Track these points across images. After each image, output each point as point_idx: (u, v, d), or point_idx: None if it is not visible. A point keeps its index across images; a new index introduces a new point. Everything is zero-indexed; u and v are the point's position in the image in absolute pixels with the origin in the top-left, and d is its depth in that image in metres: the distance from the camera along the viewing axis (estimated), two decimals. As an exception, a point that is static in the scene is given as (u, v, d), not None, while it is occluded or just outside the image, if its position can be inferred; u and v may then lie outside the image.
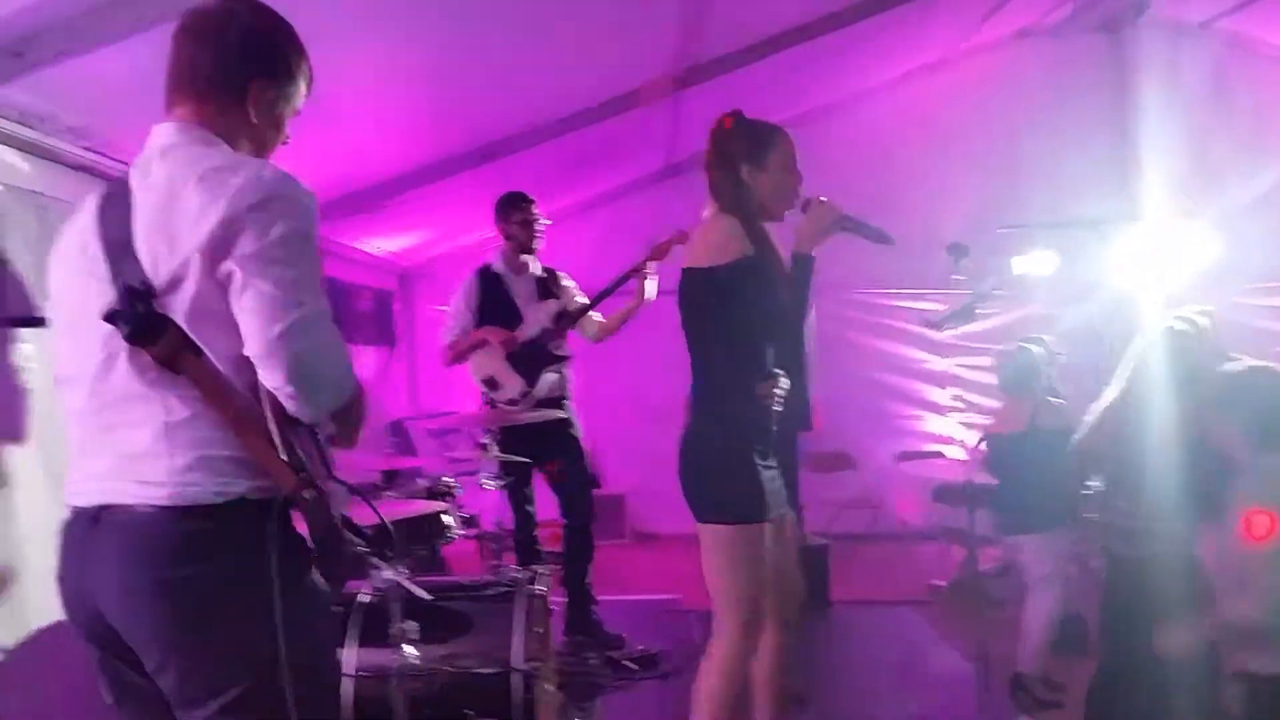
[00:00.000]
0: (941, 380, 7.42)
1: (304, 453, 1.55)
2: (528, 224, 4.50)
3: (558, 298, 4.57)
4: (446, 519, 3.37)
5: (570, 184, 6.77)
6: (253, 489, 1.55)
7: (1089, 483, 3.25)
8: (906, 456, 6.87)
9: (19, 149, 3.14)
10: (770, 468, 2.68)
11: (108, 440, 1.58)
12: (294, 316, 1.49)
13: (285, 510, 1.56)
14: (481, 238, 6.53)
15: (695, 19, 4.91)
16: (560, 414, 4.24)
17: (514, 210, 4.51)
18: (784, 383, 2.74)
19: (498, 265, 4.59)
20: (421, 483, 3.49)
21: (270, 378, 1.49)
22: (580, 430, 4.59)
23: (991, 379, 4.17)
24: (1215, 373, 2.63)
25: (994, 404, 5.04)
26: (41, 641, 2.59)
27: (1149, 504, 2.73)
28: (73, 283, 1.65)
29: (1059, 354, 4.03)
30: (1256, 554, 2.36)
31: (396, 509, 2.91)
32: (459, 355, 4.51)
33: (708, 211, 2.72)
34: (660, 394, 5.46)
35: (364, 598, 2.84)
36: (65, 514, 1.64)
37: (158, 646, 1.53)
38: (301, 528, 1.60)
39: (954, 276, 3.17)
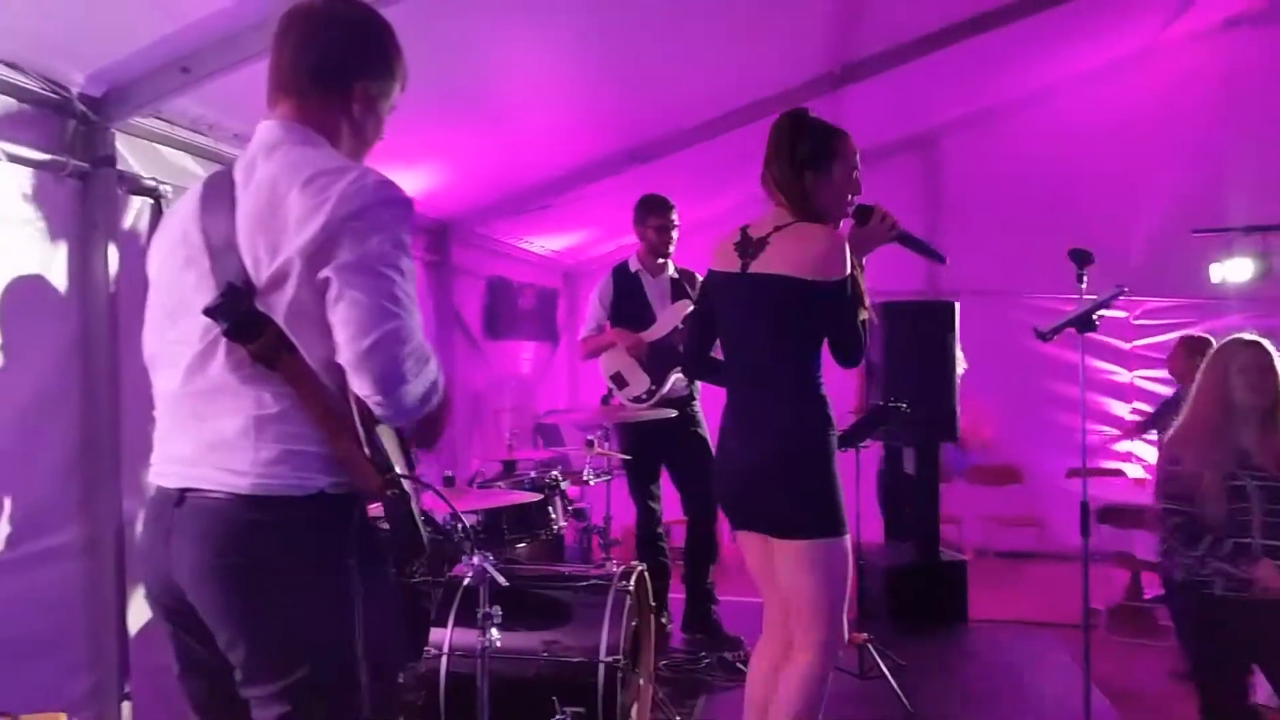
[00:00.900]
0: (1124, 394, 6.95)
1: (389, 453, 1.62)
2: (662, 229, 4.56)
3: (692, 298, 4.60)
4: (550, 511, 3.48)
5: (732, 183, 6.78)
6: (332, 484, 1.60)
7: None
8: (1077, 473, 6.45)
9: (191, 153, 3.48)
10: None
11: (196, 427, 1.64)
12: (386, 328, 1.50)
13: (363, 506, 1.62)
14: (643, 237, 6.65)
15: (855, 12, 4.82)
16: (670, 413, 4.27)
17: (649, 214, 4.58)
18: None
19: (634, 265, 4.68)
20: (532, 475, 3.60)
21: (360, 386, 1.52)
22: (706, 430, 4.61)
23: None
24: None
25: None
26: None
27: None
28: (173, 270, 1.71)
29: None
30: None
31: (499, 499, 3.04)
32: (591, 352, 4.64)
33: (783, 215, 2.61)
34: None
35: (466, 582, 2.98)
36: (150, 491, 1.76)
37: (230, 626, 1.60)
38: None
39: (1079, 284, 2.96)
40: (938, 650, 4.63)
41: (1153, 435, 5.83)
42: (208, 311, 1.56)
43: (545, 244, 6.96)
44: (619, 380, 4.50)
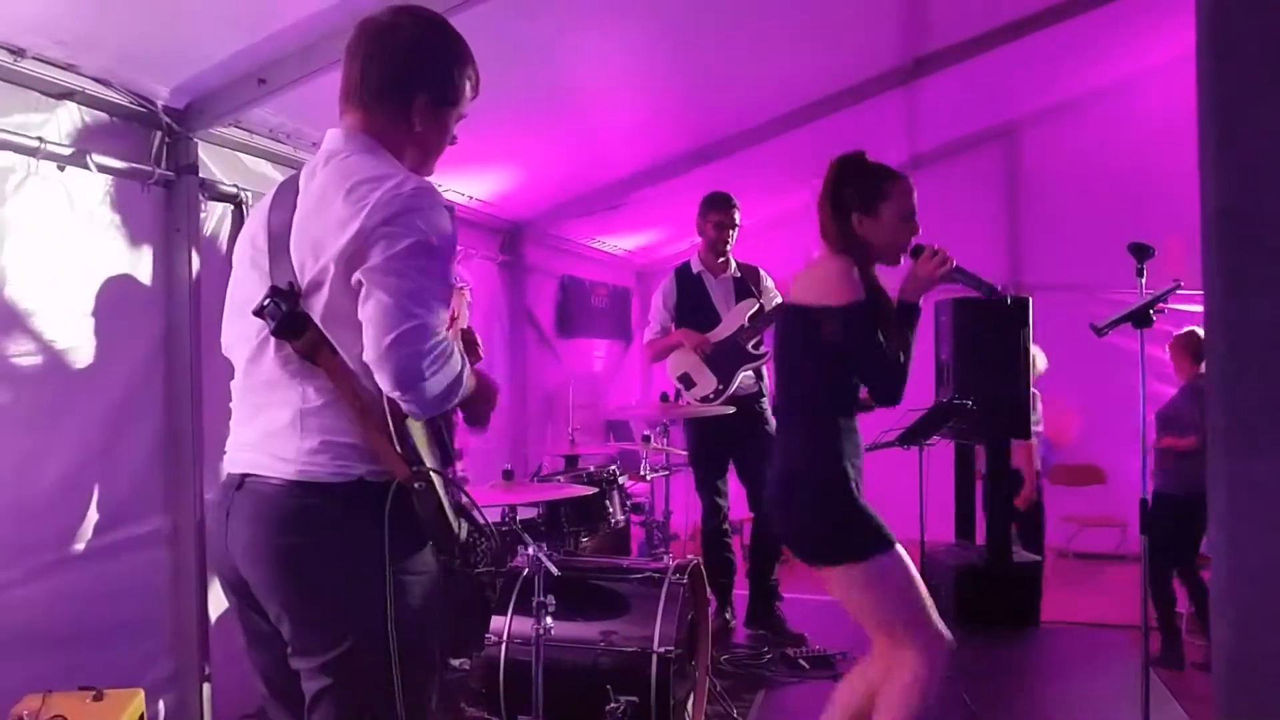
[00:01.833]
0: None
1: (418, 446, 1.69)
2: (720, 225, 4.57)
3: (757, 297, 4.62)
4: (608, 505, 3.55)
5: (804, 180, 6.74)
6: (370, 473, 1.68)
7: None
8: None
9: (270, 160, 3.66)
10: None
11: (256, 417, 1.76)
12: (404, 327, 1.56)
13: (400, 494, 1.69)
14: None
15: (926, 4, 4.77)
16: (729, 409, 4.29)
17: (708, 210, 4.60)
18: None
19: (695, 266, 4.70)
20: (590, 470, 3.67)
21: (382, 382, 1.59)
22: (774, 427, 4.62)
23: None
24: None
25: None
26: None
27: None
28: (242, 268, 1.82)
29: None
30: None
31: (554, 492, 3.12)
32: (657, 355, 4.68)
33: (819, 252, 2.68)
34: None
35: (525, 571, 3.06)
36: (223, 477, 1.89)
37: (276, 601, 1.71)
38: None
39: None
40: (1006, 652, 4.56)
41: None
42: (256, 311, 1.67)
43: (617, 243, 7.04)
44: (686, 380, 4.55)
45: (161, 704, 3.04)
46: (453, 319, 2.17)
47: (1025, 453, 5.53)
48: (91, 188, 2.88)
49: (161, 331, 3.13)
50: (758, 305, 4.58)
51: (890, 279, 2.71)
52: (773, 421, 4.63)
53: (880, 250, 2.63)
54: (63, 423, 2.77)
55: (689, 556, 3.26)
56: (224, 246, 3.35)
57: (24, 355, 2.66)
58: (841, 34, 4.66)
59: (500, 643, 2.99)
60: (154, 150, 3.07)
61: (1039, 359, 5.77)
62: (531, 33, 3.60)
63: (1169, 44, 6.45)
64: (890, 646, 2.54)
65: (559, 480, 3.66)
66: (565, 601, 2.85)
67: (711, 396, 4.46)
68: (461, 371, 1.69)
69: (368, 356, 1.59)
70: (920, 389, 5.41)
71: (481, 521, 1.86)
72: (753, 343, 4.52)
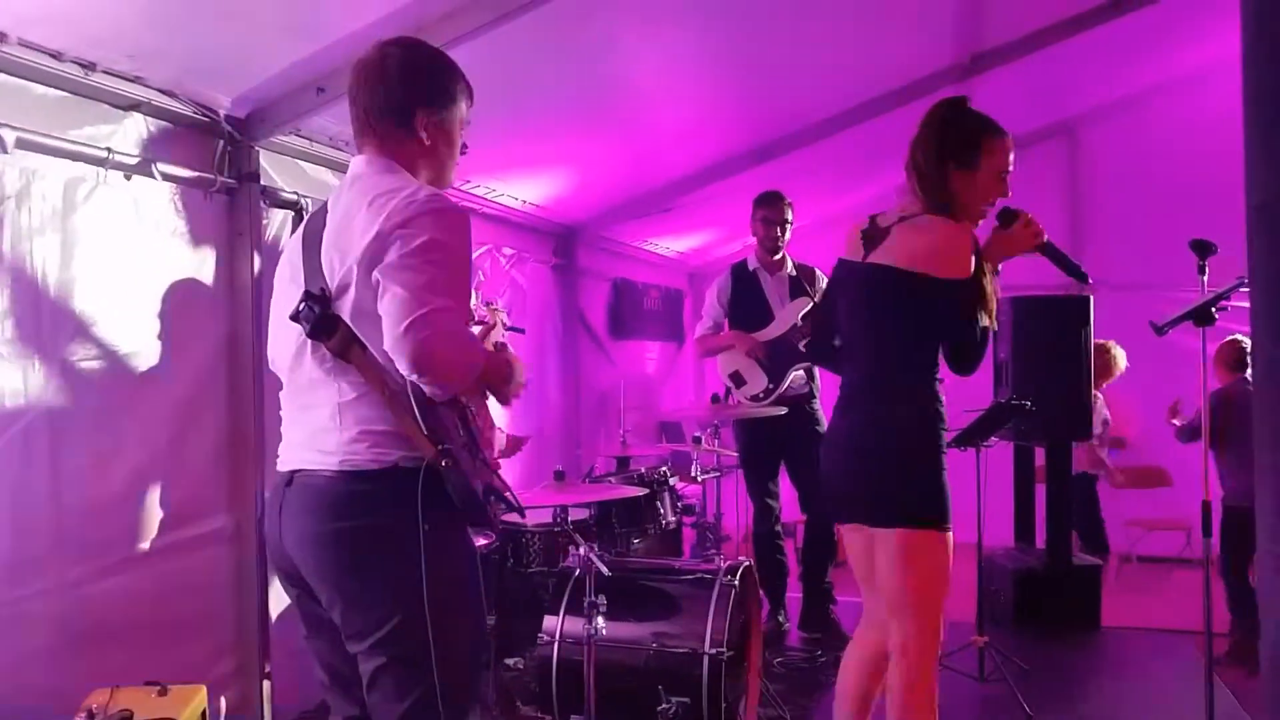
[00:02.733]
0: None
1: (445, 429, 1.79)
2: (769, 222, 4.55)
3: (811, 296, 4.59)
4: (659, 506, 3.56)
5: (860, 178, 6.70)
6: (405, 458, 1.80)
7: None
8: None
9: (330, 168, 3.73)
10: None
11: (301, 417, 1.92)
12: (417, 313, 1.68)
13: (431, 474, 1.78)
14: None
15: (981, 1, 4.71)
16: (780, 410, 4.27)
17: (758, 207, 4.60)
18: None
19: (752, 264, 4.69)
20: (641, 471, 3.68)
21: (401, 366, 1.71)
22: (826, 428, 4.60)
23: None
24: None
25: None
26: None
27: None
28: (283, 285, 1.99)
29: None
30: None
31: (604, 493, 3.14)
32: (708, 351, 4.68)
33: (913, 205, 2.53)
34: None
35: (577, 572, 3.09)
36: (276, 476, 1.99)
37: (327, 585, 1.85)
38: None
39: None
40: (1065, 656, 4.47)
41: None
42: (292, 316, 1.81)
43: (669, 245, 7.05)
44: (737, 379, 4.54)
45: (223, 700, 3.11)
46: (489, 330, 2.28)
47: (1089, 452, 5.42)
48: (157, 196, 2.96)
49: (224, 335, 3.21)
50: (811, 304, 4.55)
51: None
52: (824, 423, 4.60)
53: (969, 207, 2.52)
54: (130, 424, 2.86)
55: (740, 558, 3.26)
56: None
57: (93, 359, 2.75)
58: (897, 31, 4.61)
59: (552, 642, 3.02)
60: (217, 159, 3.16)
61: (1119, 358, 5.65)
62: (583, 36, 3.63)
63: (1231, 38, 6.26)
64: (899, 628, 2.52)
65: (610, 481, 3.69)
66: (617, 602, 2.88)
67: (762, 395, 4.45)
68: (475, 352, 1.82)
69: (386, 344, 1.71)
70: (978, 389, 5.37)
71: (514, 501, 1.96)
72: (805, 342, 4.50)
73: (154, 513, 2.95)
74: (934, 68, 5.19)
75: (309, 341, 1.84)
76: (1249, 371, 4.91)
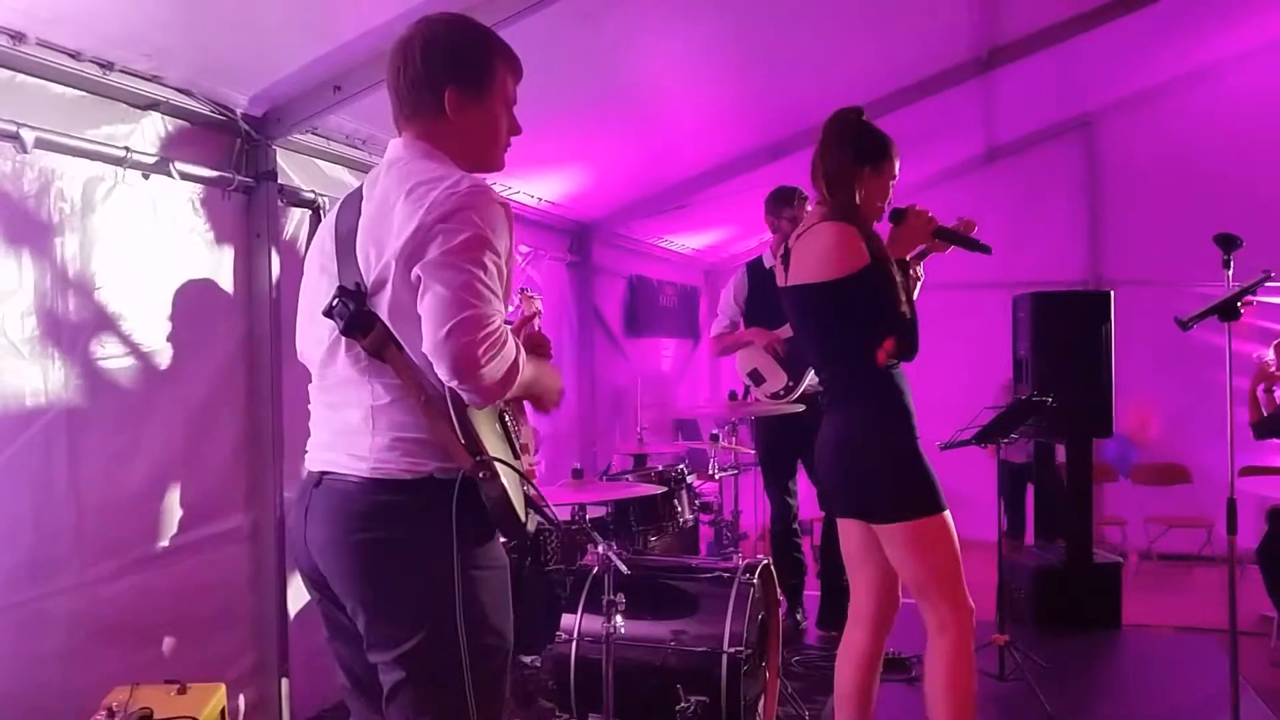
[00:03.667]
0: (1304, 387, 6.45)
1: (483, 438, 1.71)
2: (796, 220, 4.51)
3: (827, 293, 4.56)
4: (676, 504, 3.55)
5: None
6: (440, 469, 1.70)
7: None
8: (1251, 471, 6.06)
9: (347, 166, 3.73)
10: None
11: (331, 416, 1.81)
12: (460, 317, 1.58)
13: (467, 487, 1.70)
14: (782, 233, 6.63)
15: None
16: (798, 407, 4.25)
17: (781, 206, 4.54)
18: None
19: (768, 261, 4.66)
20: (659, 469, 3.67)
21: (440, 372, 1.62)
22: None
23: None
24: None
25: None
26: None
27: None
28: (313, 275, 1.88)
29: None
30: None
31: (623, 491, 3.13)
32: (725, 349, 4.66)
33: (812, 215, 2.70)
34: (939, 395, 5.24)
35: (595, 570, 3.08)
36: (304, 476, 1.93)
37: (352, 595, 1.75)
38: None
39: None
40: (1085, 654, 4.44)
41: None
42: (325, 312, 1.71)
43: (685, 242, 7.03)
44: (756, 376, 4.52)
45: (242, 698, 3.13)
46: (527, 321, 2.21)
47: None
48: (175, 195, 2.97)
49: (243, 334, 3.21)
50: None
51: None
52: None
53: (869, 209, 2.65)
54: (148, 423, 2.87)
55: (758, 556, 3.24)
56: (303, 250, 3.43)
57: (112, 358, 2.76)
58: (914, 25, 4.58)
59: (571, 640, 3.01)
60: (234, 157, 3.16)
61: None
62: (598, 33, 3.62)
63: (1253, 30, 6.22)
64: (931, 611, 2.61)
65: (628, 479, 3.67)
66: (635, 600, 2.86)
67: (781, 393, 4.43)
68: (517, 359, 1.70)
69: (426, 347, 1.62)
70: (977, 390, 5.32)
71: (550, 514, 1.89)
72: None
73: (173, 511, 2.95)
74: (951, 63, 5.16)
75: (343, 339, 1.74)
76: None
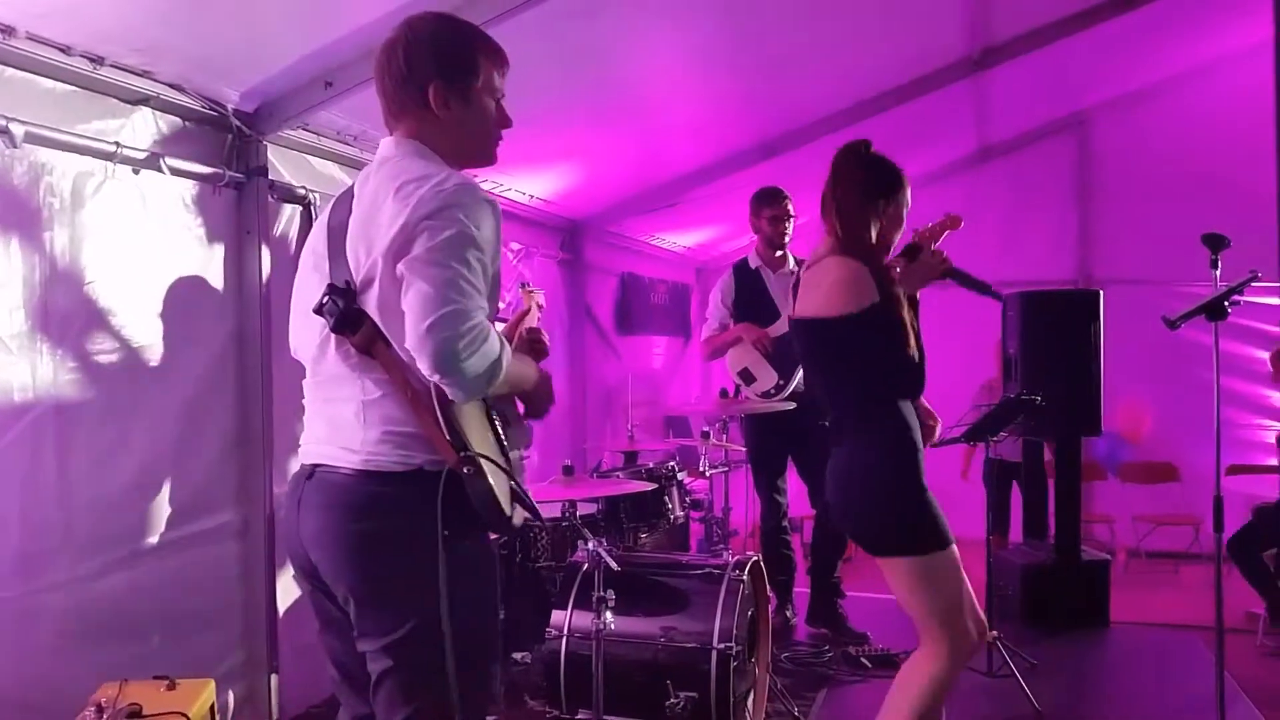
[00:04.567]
0: (1286, 385, 6.50)
1: (468, 433, 1.73)
2: (776, 220, 4.53)
3: (817, 291, 4.57)
4: (667, 501, 3.56)
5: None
6: (429, 461, 1.74)
7: None
8: (1238, 470, 6.10)
9: (338, 162, 3.73)
10: None
11: (324, 411, 1.85)
12: (441, 312, 1.60)
13: (453, 480, 1.73)
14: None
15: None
16: (789, 405, 4.26)
17: (763, 206, 4.56)
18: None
19: (754, 262, 4.67)
20: (650, 466, 3.68)
21: (422, 366, 1.64)
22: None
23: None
24: None
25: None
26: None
27: None
28: (306, 275, 1.91)
29: None
30: None
31: (613, 488, 3.14)
32: (716, 350, 4.65)
33: (822, 247, 2.63)
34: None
35: (585, 566, 3.09)
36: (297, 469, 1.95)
37: (343, 584, 1.80)
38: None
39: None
40: (1073, 651, 4.47)
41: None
42: (316, 309, 1.75)
43: (677, 240, 7.04)
44: (746, 376, 4.53)
45: (231, 694, 3.12)
46: (523, 315, 2.21)
47: None
48: (165, 190, 2.96)
49: (233, 330, 3.21)
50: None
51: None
52: (832, 418, 4.60)
53: (885, 242, 2.61)
54: (138, 419, 2.86)
55: (749, 553, 3.25)
56: (293, 247, 3.43)
57: (101, 353, 2.76)
58: (906, 24, 4.58)
59: (561, 637, 3.02)
60: (225, 153, 3.15)
61: None
62: (591, 31, 3.61)
63: (1244, 31, 6.24)
64: (926, 640, 2.58)
65: (618, 476, 3.68)
66: (625, 597, 2.87)
67: (772, 392, 4.44)
68: (501, 356, 1.72)
69: (409, 342, 1.64)
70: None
71: (535, 510, 1.90)
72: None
73: (162, 507, 2.95)
74: (943, 62, 5.17)
75: (333, 335, 1.77)
76: None
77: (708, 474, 3.83)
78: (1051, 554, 4.96)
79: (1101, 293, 5.08)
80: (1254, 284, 3.11)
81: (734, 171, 5.47)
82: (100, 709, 2.20)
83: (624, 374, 5.66)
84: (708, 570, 3.11)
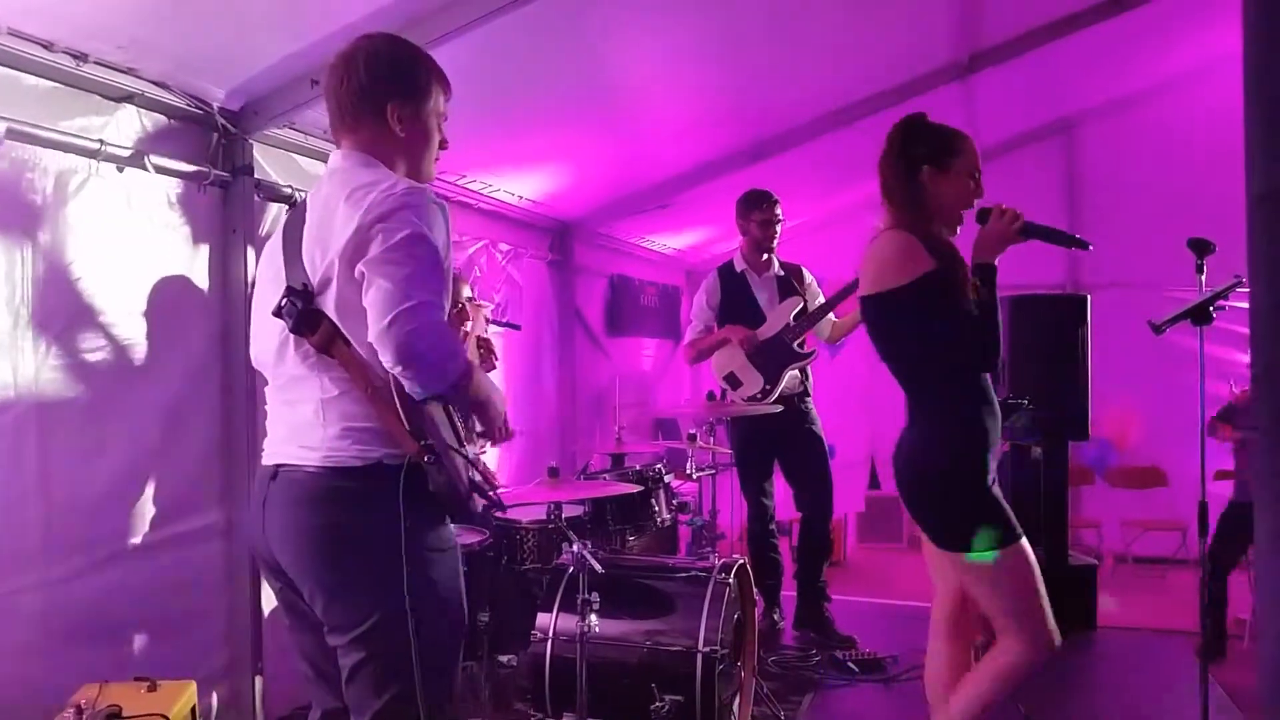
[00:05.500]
0: None
1: (428, 424, 1.78)
2: (765, 224, 4.51)
3: (801, 295, 4.57)
4: (653, 503, 3.54)
5: (855, 178, 6.68)
6: (388, 455, 1.80)
7: None
8: (1225, 475, 6.11)
9: (324, 161, 3.65)
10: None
11: (286, 412, 1.91)
12: (402, 307, 1.68)
13: (414, 472, 1.78)
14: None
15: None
16: (776, 408, 4.26)
17: (751, 209, 4.54)
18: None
19: (739, 265, 4.65)
20: (637, 468, 3.67)
21: (385, 359, 1.71)
22: (820, 427, 4.59)
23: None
24: None
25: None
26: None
27: None
28: (264, 285, 1.99)
29: None
30: None
31: (599, 490, 3.12)
32: (700, 353, 4.63)
33: (881, 221, 2.57)
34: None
35: (570, 569, 3.07)
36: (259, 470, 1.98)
37: (310, 580, 1.85)
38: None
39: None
40: (1060, 655, 4.44)
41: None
42: (275, 312, 1.81)
43: (666, 242, 7.03)
44: (732, 380, 4.51)
45: (215, 695, 3.10)
46: (470, 328, 2.27)
47: None
48: (150, 189, 2.95)
49: (218, 329, 3.19)
50: (802, 304, 4.53)
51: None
52: (818, 421, 4.60)
53: (946, 210, 2.53)
54: (121, 419, 2.84)
55: (735, 556, 3.24)
56: (275, 249, 3.41)
57: (85, 352, 2.74)
58: (894, 29, 4.59)
59: (545, 639, 3.00)
60: (210, 152, 3.14)
61: None
62: (579, 31, 3.61)
63: (1232, 36, 6.25)
64: (1002, 633, 2.52)
65: (605, 478, 3.66)
66: (610, 599, 2.86)
67: (759, 396, 4.42)
68: (458, 349, 1.80)
69: (371, 336, 1.71)
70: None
71: (496, 498, 1.95)
72: (798, 341, 4.48)
73: (146, 508, 2.93)
74: (931, 66, 5.18)
75: (291, 337, 1.84)
76: None
77: (695, 476, 3.81)
78: (1039, 558, 4.95)
79: (1089, 297, 5.10)
80: (1239, 289, 3.09)
81: (724, 174, 5.46)
82: (79, 710, 2.18)
83: (613, 376, 5.65)
84: (693, 573, 3.10)
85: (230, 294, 3.22)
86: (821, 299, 4.58)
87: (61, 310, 2.67)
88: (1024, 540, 2.46)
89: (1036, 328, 4.95)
